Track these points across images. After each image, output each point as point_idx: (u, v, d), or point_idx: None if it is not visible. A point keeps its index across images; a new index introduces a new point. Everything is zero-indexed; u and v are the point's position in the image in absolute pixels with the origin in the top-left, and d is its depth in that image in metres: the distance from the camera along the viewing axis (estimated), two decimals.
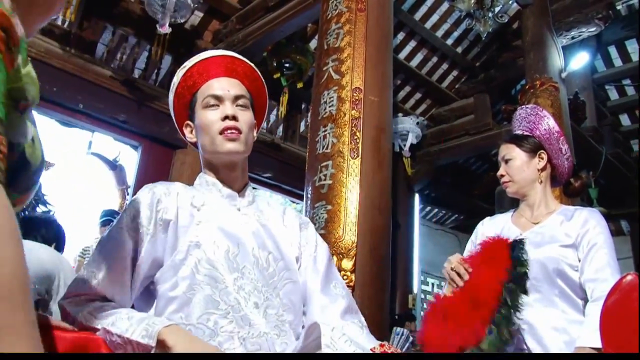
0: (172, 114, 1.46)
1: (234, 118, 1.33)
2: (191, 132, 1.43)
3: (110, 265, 1.19)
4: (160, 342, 1.03)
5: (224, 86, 1.36)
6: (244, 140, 1.34)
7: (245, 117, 1.36)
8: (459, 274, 1.75)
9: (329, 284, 1.37)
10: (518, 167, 1.99)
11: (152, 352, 1.03)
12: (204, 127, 1.35)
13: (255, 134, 1.46)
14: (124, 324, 1.07)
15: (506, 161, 2.02)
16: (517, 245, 1.75)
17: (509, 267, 1.67)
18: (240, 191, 1.41)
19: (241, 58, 1.43)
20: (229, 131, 1.32)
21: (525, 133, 2.04)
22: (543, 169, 2.01)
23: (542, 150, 2.00)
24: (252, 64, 1.45)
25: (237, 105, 1.35)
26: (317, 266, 1.39)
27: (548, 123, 2.02)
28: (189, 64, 1.38)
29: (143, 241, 1.22)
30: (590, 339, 1.64)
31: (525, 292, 1.66)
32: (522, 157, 2.00)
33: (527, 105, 2.18)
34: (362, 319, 1.38)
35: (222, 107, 1.34)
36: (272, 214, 1.43)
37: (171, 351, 1.02)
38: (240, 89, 1.39)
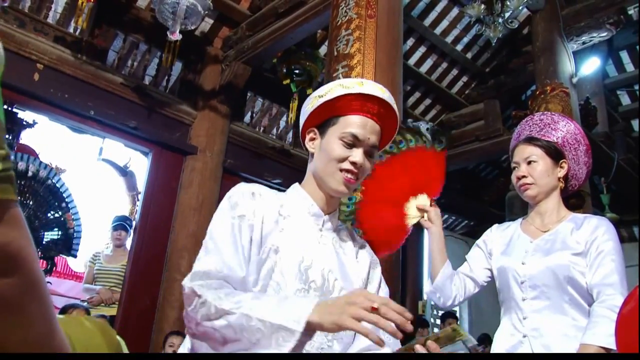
0: (305, 110, 1.45)
1: (360, 167, 1.35)
2: (312, 140, 1.44)
3: (240, 251, 1.24)
4: (308, 325, 1.03)
5: (368, 131, 1.36)
6: (356, 186, 1.40)
7: (367, 167, 1.38)
8: None
9: (379, 330, 1.38)
10: (543, 171, 1.96)
11: (297, 336, 1.01)
12: (329, 153, 1.36)
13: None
14: (263, 307, 1.06)
15: (529, 163, 1.98)
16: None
17: None
18: (328, 214, 1.43)
19: (394, 109, 1.40)
20: (349, 175, 1.34)
21: (548, 139, 2.01)
22: (562, 178, 1.99)
23: (563, 160, 1.99)
24: (398, 116, 1.44)
25: (366, 153, 1.37)
26: None
27: (579, 134, 2.01)
28: (351, 88, 1.35)
29: (250, 229, 1.28)
30: (596, 337, 1.65)
31: None
32: (547, 162, 1.97)
33: (552, 113, 2.15)
34: None
35: (356, 150, 1.34)
36: (349, 245, 1.46)
37: (320, 329, 1.03)
38: (377, 137, 1.39)
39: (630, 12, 5.28)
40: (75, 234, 5.14)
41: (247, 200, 1.30)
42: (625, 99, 8.47)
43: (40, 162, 4.99)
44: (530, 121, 2.10)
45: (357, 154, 1.34)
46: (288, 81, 5.68)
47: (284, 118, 6.85)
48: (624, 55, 7.67)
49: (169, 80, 5.96)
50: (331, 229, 1.42)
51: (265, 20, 5.49)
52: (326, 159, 1.36)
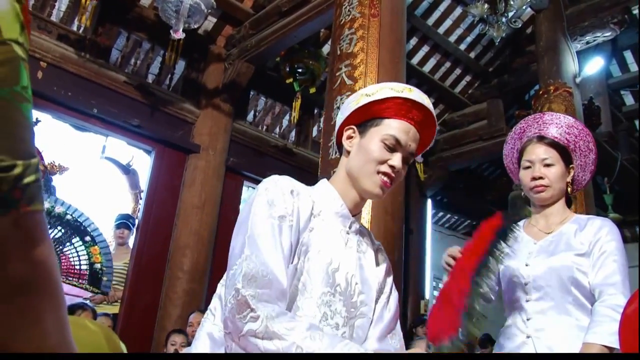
0: (348, 107, 1.41)
1: (397, 171, 1.33)
2: (350, 138, 1.40)
3: (281, 256, 1.18)
4: None
5: (410, 137, 1.35)
6: (389, 191, 1.37)
7: (402, 175, 1.37)
8: (454, 258, 1.63)
9: (386, 334, 1.38)
10: (559, 175, 1.94)
11: None
12: (367, 153, 1.33)
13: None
14: (317, 343, 1.06)
15: (546, 164, 1.97)
16: (506, 223, 1.50)
17: (489, 244, 1.44)
18: (355, 216, 1.41)
19: (435, 119, 1.41)
20: (386, 178, 1.32)
21: (561, 143, 1.99)
22: (569, 183, 1.99)
23: (572, 165, 1.99)
24: (437, 126, 1.44)
25: (404, 160, 1.35)
26: (383, 314, 1.40)
27: (591, 143, 2.00)
28: (400, 91, 1.35)
29: (290, 230, 1.22)
30: (597, 336, 1.65)
31: (498, 261, 1.41)
32: (562, 166, 1.95)
33: (565, 116, 2.12)
34: None
35: (396, 154, 1.33)
36: (370, 248, 1.43)
37: None
38: (416, 146, 1.38)
39: (635, 11, 5.26)
40: (104, 270, 5.14)
41: (287, 199, 1.24)
42: (629, 99, 8.44)
43: (57, 199, 5.02)
44: (540, 120, 2.06)
45: (397, 159, 1.32)
46: (291, 80, 5.68)
47: (287, 117, 6.85)
48: (628, 55, 7.65)
49: (172, 79, 5.96)
50: (356, 232, 1.40)
51: (269, 18, 5.49)
52: (365, 159, 1.33)
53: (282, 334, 1.05)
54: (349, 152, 1.39)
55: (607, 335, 1.64)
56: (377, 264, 1.43)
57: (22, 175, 0.47)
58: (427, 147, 1.49)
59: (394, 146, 1.32)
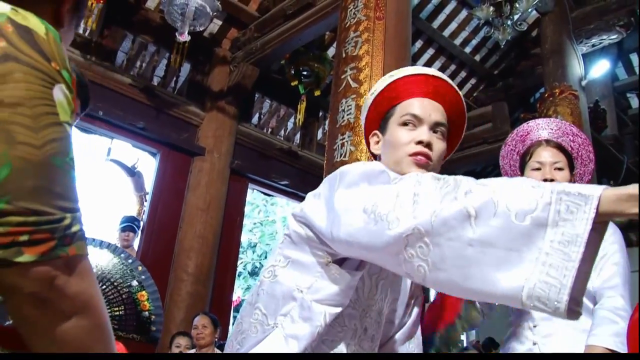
0: (363, 120, 1.37)
1: (428, 145, 1.22)
2: (377, 143, 1.32)
3: None
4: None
5: (428, 108, 1.25)
6: (431, 170, 1.22)
7: (439, 147, 1.25)
8: None
9: (406, 340, 1.38)
10: (567, 180, 1.93)
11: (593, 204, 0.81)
12: (394, 144, 1.25)
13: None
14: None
15: (557, 168, 1.95)
16: None
17: None
18: None
19: (449, 82, 1.31)
20: (419, 156, 1.21)
21: (568, 149, 2.00)
22: None
23: (574, 172, 2.00)
24: (458, 90, 1.32)
25: (434, 132, 1.25)
26: (406, 320, 1.40)
27: (592, 153, 2.02)
28: (397, 74, 1.29)
29: None
30: (598, 338, 1.67)
31: None
32: (569, 172, 1.96)
33: (571, 125, 2.13)
34: None
35: (419, 130, 1.24)
36: None
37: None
38: (442, 116, 1.27)
39: None
40: (152, 318, 5.02)
41: None
42: (635, 102, 8.41)
43: (102, 242, 4.96)
44: (547, 126, 2.07)
45: (422, 132, 1.23)
46: (296, 83, 5.69)
47: (292, 119, 6.86)
48: (634, 58, 7.62)
49: (177, 81, 5.97)
50: None
51: (274, 21, 5.50)
52: (392, 149, 1.25)
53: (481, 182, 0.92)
54: (379, 155, 1.33)
55: (607, 337, 1.65)
56: None
57: (70, 225, 0.59)
58: (465, 118, 1.37)
59: (414, 123, 1.24)
